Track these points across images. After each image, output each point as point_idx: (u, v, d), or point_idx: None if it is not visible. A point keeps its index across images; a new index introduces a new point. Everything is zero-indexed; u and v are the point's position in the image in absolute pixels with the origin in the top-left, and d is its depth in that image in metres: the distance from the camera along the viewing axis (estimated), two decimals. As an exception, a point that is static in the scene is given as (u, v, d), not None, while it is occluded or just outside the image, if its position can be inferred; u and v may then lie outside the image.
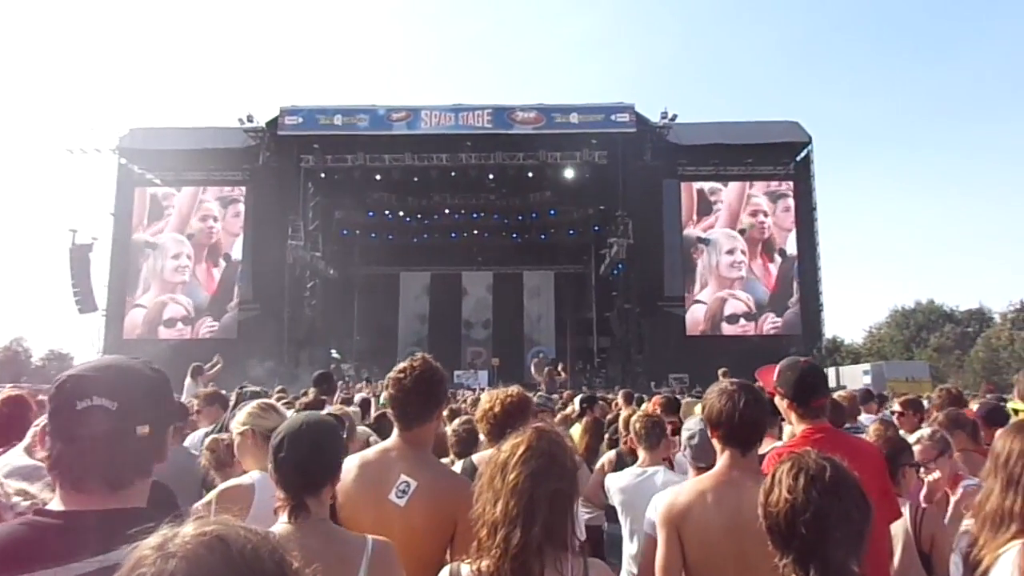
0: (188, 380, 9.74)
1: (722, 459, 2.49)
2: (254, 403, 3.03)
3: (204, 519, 0.93)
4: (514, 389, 3.05)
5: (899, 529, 3.09)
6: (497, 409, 2.90)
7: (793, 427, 2.99)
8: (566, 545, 1.76)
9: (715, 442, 2.54)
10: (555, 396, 9.30)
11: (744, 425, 2.44)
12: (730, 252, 25.13)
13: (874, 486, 2.79)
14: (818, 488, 1.58)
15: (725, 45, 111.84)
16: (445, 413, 6.52)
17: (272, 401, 3.40)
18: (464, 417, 4.44)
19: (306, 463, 1.95)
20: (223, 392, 6.00)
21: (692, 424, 3.31)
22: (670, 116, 24.18)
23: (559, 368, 19.53)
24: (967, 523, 2.16)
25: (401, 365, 2.50)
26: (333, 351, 24.35)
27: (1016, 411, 2.71)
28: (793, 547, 1.58)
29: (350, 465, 2.48)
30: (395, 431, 2.49)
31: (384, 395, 2.64)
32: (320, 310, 26.31)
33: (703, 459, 2.96)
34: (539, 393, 6.80)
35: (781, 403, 3.00)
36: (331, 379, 7.71)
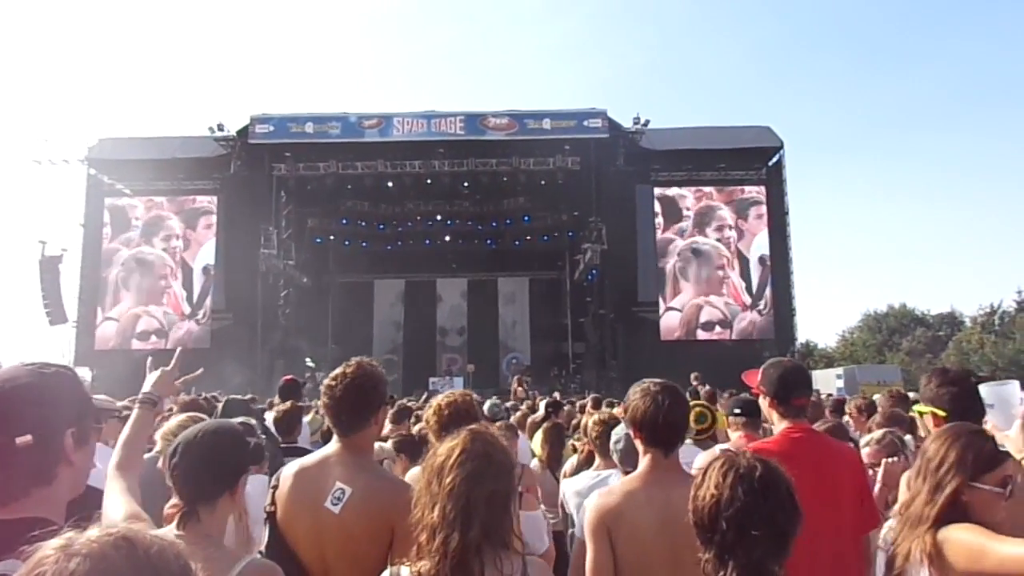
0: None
1: (645, 460, 2.51)
2: (183, 416, 3.01)
3: (111, 523, 0.92)
4: (458, 392, 3.04)
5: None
6: (441, 412, 2.89)
7: (774, 427, 2.99)
8: (506, 544, 1.78)
9: (637, 443, 2.54)
10: (512, 404, 9.23)
11: (667, 427, 2.45)
12: (706, 259, 25.29)
13: (853, 490, 2.78)
14: (744, 486, 1.59)
15: (697, 51, 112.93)
16: (411, 420, 6.53)
17: (196, 414, 3.39)
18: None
19: (197, 472, 1.94)
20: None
21: (619, 430, 3.34)
22: (642, 121, 24.32)
23: (522, 380, 19.84)
24: (891, 523, 2.18)
25: (335, 372, 2.48)
26: (308, 359, 24.16)
27: (921, 413, 2.72)
28: (714, 542, 1.60)
29: (287, 473, 2.48)
30: (334, 437, 2.48)
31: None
32: (294, 319, 26.10)
33: (630, 463, 2.98)
34: (491, 402, 6.77)
35: (763, 402, 3.01)
36: (298, 388, 7.62)
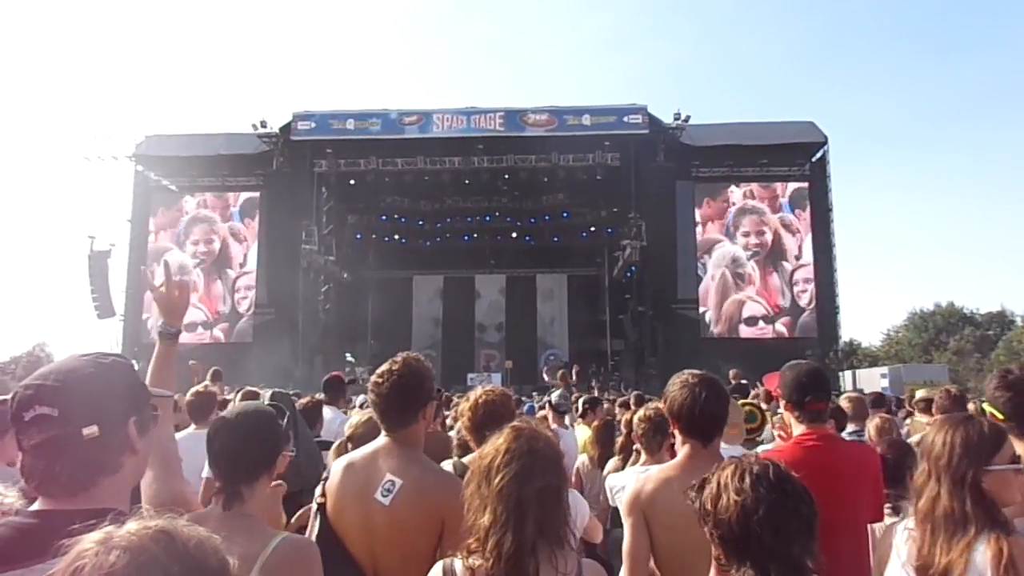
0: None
1: (684, 450, 2.50)
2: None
3: (148, 516, 0.93)
4: (497, 389, 3.01)
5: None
6: (476, 410, 2.87)
7: (792, 431, 2.92)
8: (561, 541, 1.76)
9: (676, 434, 2.54)
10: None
11: (704, 417, 2.44)
12: (748, 256, 24.98)
13: (866, 485, 2.78)
14: (765, 485, 1.55)
15: (739, 45, 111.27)
16: (450, 416, 6.55)
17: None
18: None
19: (237, 453, 1.98)
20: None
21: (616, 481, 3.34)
22: (683, 117, 24.13)
23: (573, 372, 19.51)
24: (905, 524, 2.07)
25: (381, 368, 2.48)
26: (348, 355, 24.43)
27: (984, 411, 2.64)
28: (751, 551, 1.53)
29: (338, 467, 2.49)
30: (382, 432, 2.49)
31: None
32: (334, 314, 26.41)
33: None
34: (560, 392, 6.79)
35: (782, 406, 2.97)
36: (341, 384, 7.67)
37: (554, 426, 5.76)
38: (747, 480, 1.57)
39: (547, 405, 6.97)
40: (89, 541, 0.87)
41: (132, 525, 0.89)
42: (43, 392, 1.32)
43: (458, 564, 1.77)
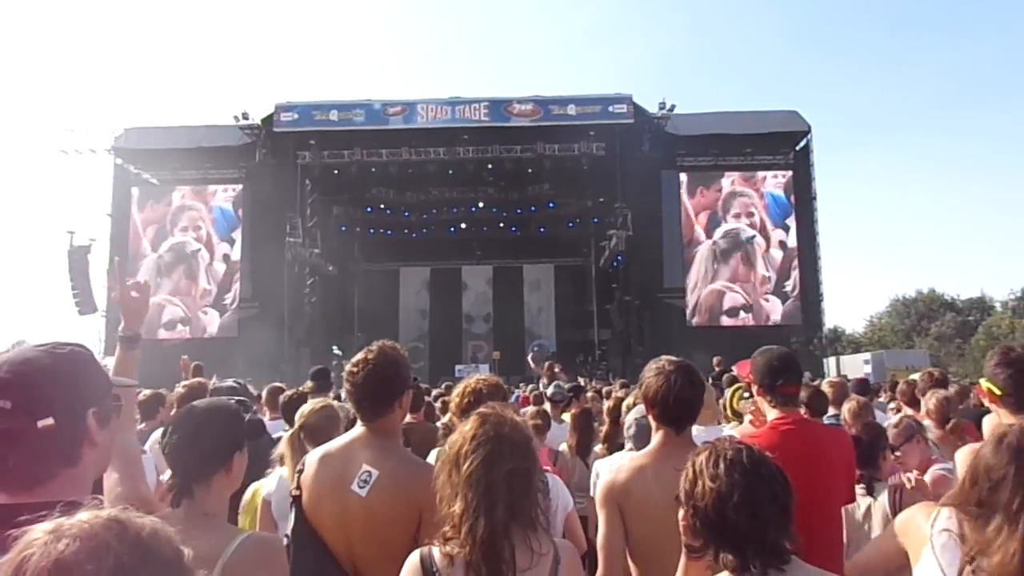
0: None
1: (658, 437, 2.52)
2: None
3: (100, 507, 0.91)
4: (490, 378, 3.01)
5: (877, 509, 3.12)
6: (464, 396, 2.86)
7: (766, 417, 2.97)
8: (534, 523, 1.78)
9: (650, 420, 2.56)
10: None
11: (678, 404, 2.46)
12: (731, 245, 25.07)
13: (840, 467, 2.84)
14: (739, 470, 1.57)
15: (723, 35, 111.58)
16: (438, 406, 6.52)
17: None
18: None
19: (188, 450, 1.93)
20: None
21: (631, 417, 3.35)
22: (668, 106, 24.15)
23: (557, 368, 19.59)
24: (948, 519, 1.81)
25: (356, 358, 2.46)
26: (335, 347, 24.34)
27: (990, 388, 2.66)
28: (728, 536, 1.56)
29: (312, 458, 2.46)
30: (358, 422, 2.45)
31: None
32: (320, 307, 26.30)
33: (641, 447, 2.99)
34: (556, 383, 6.79)
35: (754, 391, 3.02)
36: (328, 375, 7.72)
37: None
38: (721, 466, 1.60)
39: (542, 397, 6.97)
40: (38, 531, 0.84)
41: (84, 515, 0.86)
42: None
43: (436, 552, 1.78)
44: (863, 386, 7.22)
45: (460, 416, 2.78)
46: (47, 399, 1.29)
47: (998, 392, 2.55)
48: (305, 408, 3.33)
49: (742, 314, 24.79)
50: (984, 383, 2.68)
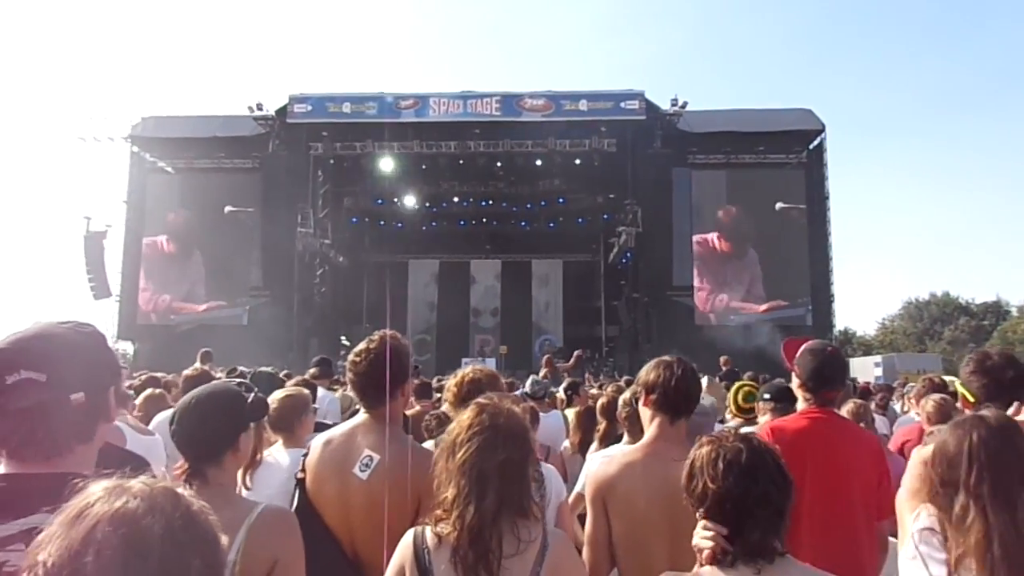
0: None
1: (651, 428, 2.52)
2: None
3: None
4: (485, 368, 3.05)
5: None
6: (460, 387, 2.90)
7: (798, 405, 3.00)
8: (525, 512, 1.82)
9: (646, 409, 2.55)
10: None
11: (678, 392, 2.47)
12: (742, 243, 24.95)
13: (871, 477, 2.77)
14: (735, 473, 1.63)
15: (737, 32, 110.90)
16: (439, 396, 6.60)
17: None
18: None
19: (195, 436, 2.02)
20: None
21: (626, 395, 3.40)
22: (680, 103, 23.96)
23: (551, 360, 19.59)
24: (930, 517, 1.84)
25: (359, 347, 2.52)
26: (343, 338, 24.44)
27: (964, 394, 2.69)
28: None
29: (318, 442, 2.53)
30: (361, 411, 2.53)
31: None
32: (330, 297, 26.41)
33: (635, 434, 3.01)
34: (532, 378, 6.73)
35: (794, 382, 2.99)
36: (329, 363, 7.88)
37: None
38: (720, 466, 1.66)
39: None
40: (99, 488, 0.92)
41: (143, 478, 0.95)
42: (29, 357, 1.33)
43: (428, 531, 1.84)
44: (865, 392, 7.29)
45: (456, 405, 2.84)
46: (79, 374, 1.37)
47: (971, 399, 2.57)
48: (275, 395, 3.46)
49: (753, 312, 24.67)
50: (959, 387, 2.70)
